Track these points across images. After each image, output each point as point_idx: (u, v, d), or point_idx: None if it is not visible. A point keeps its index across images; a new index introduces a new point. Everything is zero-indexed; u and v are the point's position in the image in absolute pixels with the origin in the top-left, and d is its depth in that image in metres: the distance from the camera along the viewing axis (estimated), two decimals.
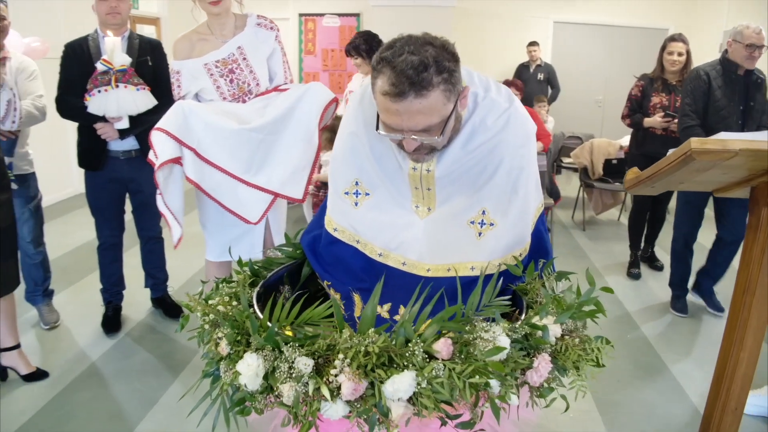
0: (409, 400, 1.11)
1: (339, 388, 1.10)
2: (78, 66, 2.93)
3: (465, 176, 1.53)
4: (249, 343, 1.21)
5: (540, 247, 1.60)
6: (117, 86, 2.81)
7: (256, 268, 1.64)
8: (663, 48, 4.08)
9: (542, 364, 1.19)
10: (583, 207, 5.83)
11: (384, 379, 1.09)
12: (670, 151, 1.38)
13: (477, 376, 1.09)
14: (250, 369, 1.13)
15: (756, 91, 3.35)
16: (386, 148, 1.58)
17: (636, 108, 4.21)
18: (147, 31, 7.85)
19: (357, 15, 8.63)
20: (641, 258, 4.58)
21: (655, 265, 4.56)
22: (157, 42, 3.15)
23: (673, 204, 4.17)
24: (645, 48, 8.47)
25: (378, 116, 1.40)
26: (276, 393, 1.14)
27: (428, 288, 1.30)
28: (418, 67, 1.25)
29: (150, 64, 3.01)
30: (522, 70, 7.90)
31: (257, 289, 1.51)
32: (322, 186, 4.50)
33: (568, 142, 6.74)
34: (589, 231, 5.58)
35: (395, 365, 1.11)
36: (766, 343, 2.82)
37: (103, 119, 2.91)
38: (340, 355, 1.12)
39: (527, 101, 6.47)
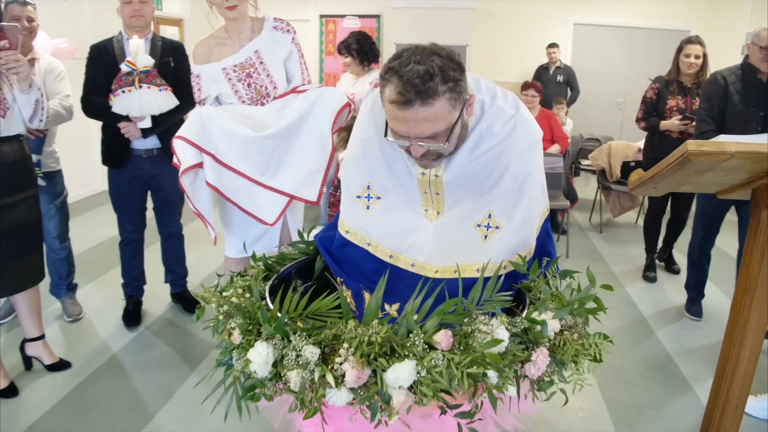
0: (410, 388, 1.16)
1: (343, 375, 1.16)
2: (103, 67, 3.02)
3: (472, 181, 1.58)
4: (260, 333, 1.27)
5: (544, 250, 1.63)
6: (140, 87, 2.89)
7: (270, 262, 1.70)
8: (679, 50, 4.02)
9: (540, 358, 1.24)
10: (600, 209, 5.81)
11: (386, 367, 1.14)
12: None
13: (475, 367, 1.13)
14: (260, 357, 1.19)
15: None
16: (397, 154, 1.63)
17: (651, 111, 4.16)
18: (170, 32, 7.98)
19: (377, 16, 8.67)
20: (659, 259, 4.56)
21: (672, 268, 4.53)
22: (179, 44, 3.23)
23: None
24: (666, 50, 8.35)
25: (387, 123, 1.45)
26: (284, 380, 1.20)
27: (428, 284, 1.35)
28: (424, 76, 1.30)
29: (172, 66, 3.09)
30: (541, 71, 7.88)
31: (270, 282, 1.57)
32: (339, 185, 4.55)
33: (587, 144, 6.71)
34: (606, 233, 5.57)
35: (397, 355, 1.17)
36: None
37: (126, 118, 2.99)
38: (345, 345, 1.17)
39: (546, 103, 6.45)
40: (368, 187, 1.71)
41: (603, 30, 8.66)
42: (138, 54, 2.89)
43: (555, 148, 5.41)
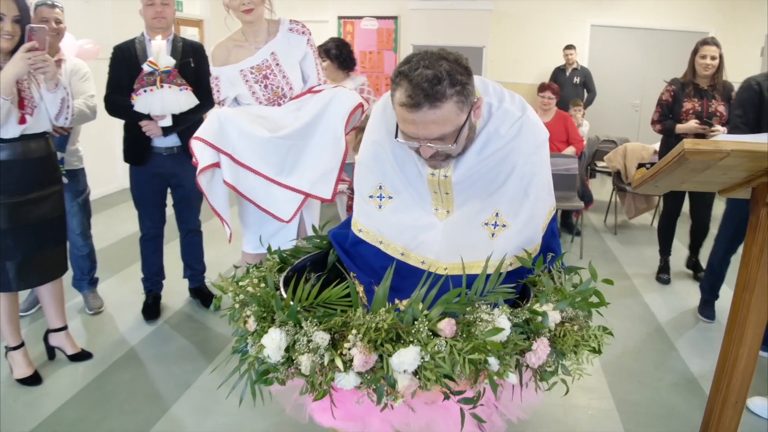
0: (415, 373, 1.22)
1: (352, 360, 1.22)
2: (125, 67, 3.11)
3: (480, 181, 1.64)
4: (273, 320, 1.34)
5: (549, 249, 1.68)
6: (162, 86, 2.97)
7: (285, 255, 1.77)
8: (695, 52, 3.98)
9: (541, 348, 1.29)
10: (615, 211, 5.82)
11: (392, 353, 1.20)
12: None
13: (476, 353, 1.19)
14: (273, 342, 1.26)
15: None
16: (408, 155, 1.68)
17: (667, 113, 4.13)
18: (190, 33, 8.10)
19: (395, 18, 8.73)
20: (687, 266, 4.49)
21: (699, 276, 4.36)
22: (199, 45, 3.31)
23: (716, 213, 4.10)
24: (683, 52, 8.24)
25: (397, 125, 1.51)
26: (295, 364, 1.26)
27: (432, 277, 1.40)
28: (433, 80, 1.36)
29: (192, 66, 3.17)
30: (558, 73, 7.88)
31: (284, 273, 1.64)
32: None
33: (603, 146, 6.70)
34: (621, 235, 5.57)
35: (402, 341, 1.23)
36: None
37: (147, 117, 3.08)
38: (354, 331, 1.24)
39: (563, 105, 6.45)
40: (380, 187, 1.77)
41: (620, 31, 8.63)
42: (160, 55, 2.98)
43: (570, 150, 5.42)
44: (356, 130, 2.83)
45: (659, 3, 8.41)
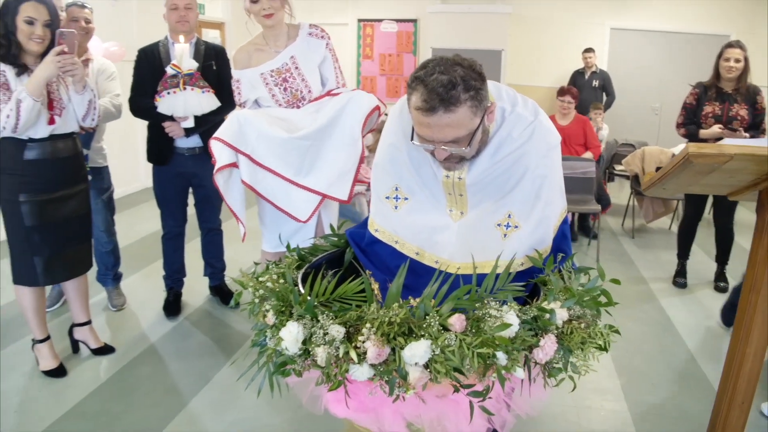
0: (426, 366, 1.27)
1: (365, 352, 1.27)
2: (149, 70, 3.19)
3: (493, 184, 1.69)
4: (291, 314, 1.39)
5: (560, 250, 1.72)
6: (184, 89, 3.05)
7: (303, 253, 1.83)
8: (720, 55, 3.93)
9: (548, 344, 1.33)
10: (633, 215, 5.80)
11: (404, 346, 1.26)
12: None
13: (485, 348, 1.24)
14: (291, 335, 1.32)
15: None
16: (423, 157, 1.74)
17: (690, 117, 4.09)
18: (212, 35, 8.21)
19: (414, 21, 8.78)
20: (715, 279, 4.35)
21: (718, 284, 4.27)
22: (221, 48, 3.39)
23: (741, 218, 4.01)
24: (704, 55, 8.23)
25: (413, 128, 1.56)
26: (312, 356, 1.32)
27: (443, 274, 1.45)
28: (447, 85, 1.42)
29: (214, 69, 3.25)
30: (577, 76, 7.86)
31: (303, 270, 1.70)
32: None
33: (621, 149, 6.69)
34: (638, 239, 5.56)
35: (414, 335, 1.28)
36: None
37: (170, 118, 3.16)
38: (368, 325, 1.29)
39: (582, 108, 6.45)
40: (396, 189, 1.82)
41: (640, 35, 8.58)
42: (183, 58, 3.06)
43: (587, 155, 5.44)
44: (374, 131, 2.88)
45: (679, 6, 8.34)
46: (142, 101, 3.20)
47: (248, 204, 2.75)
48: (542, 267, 1.60)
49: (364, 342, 1.27)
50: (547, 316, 1.36)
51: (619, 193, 7.18)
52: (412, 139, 1.58)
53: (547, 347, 1.33)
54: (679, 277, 4.36)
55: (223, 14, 8.40)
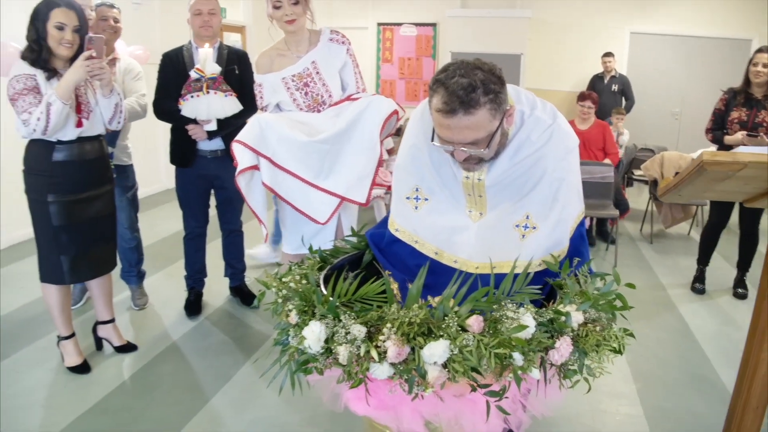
0: (444, 366, 1.31)
1: (386, 351, 1.31)
2: (173, 73, 3.25)
3: (512, 185, 1.72)
4: (314, 314, 1.44)
5: (577, 252, 1.75)
6: (208, 92, 3.11)
7: (325, 255, 1.88)
8: (750, 60, 3.89)
9: (564, 346, 1.36)
10: (652, 220, 5.78)
11: (423, 345, 1.29)
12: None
13: (501, 348, 1.27)
14: (313, 334, 1.36)
15: None
16: (444, 159, 1.78)
17: (719, 123, 4.07)
18: (233, 39, 8.31)
19: (434, 25, 8.82)
20: (734, 285, 4.32)
21: (737, 291, 4.23)
22: (243, 52, 3.44)
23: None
24: (726, 59, 8.20)
25: (434, 130, 1.60)
26: (333, 354, 1.36)
27: (463, 275, 1.49)
28: (467, 88, 1.46)
29: (237, 73, 3.30)
30: (596, 81, 7.85)
31: (324, 271, 1.75)
32: None
33: (641, 154, 6.66)
34: (657, 244, 5.54)
35: (433, 335, 1.32)
36: None
37: (194, 121, 3.22)
38: (388, 325, 1.33)
39: (601, 113, 6.43)
40: (417, 189, 1.86)
41: (660, 39, 8.53)
42: (206, 62, 3.11)
43: (607, 160, 5.44)
44: (392, 135, 2.92)
45: (700, 10, 8.29)
46: (166, 104, 3.26)
47: (267, 206, 2.80)
48: (558, 271, 1.63)
49: (384, 341, 1.31)
50: (563, 318, 1.39)
51: (637, 198, 7.15)
52: (432, 140, 1.62)
53: (563, 349, 1.36)
54: (698, 283, 4.34)
55: (245, 18, 8.50)
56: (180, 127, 3.29)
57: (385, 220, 1.99)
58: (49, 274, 2.81)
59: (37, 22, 2.55)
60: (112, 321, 3.14)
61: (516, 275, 1.52)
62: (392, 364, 1.32)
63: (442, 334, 1.31)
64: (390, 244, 1.91)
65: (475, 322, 1.33)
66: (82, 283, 3.19)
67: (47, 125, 2.54)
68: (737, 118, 3.95)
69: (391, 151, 2.85)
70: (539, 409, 1.58)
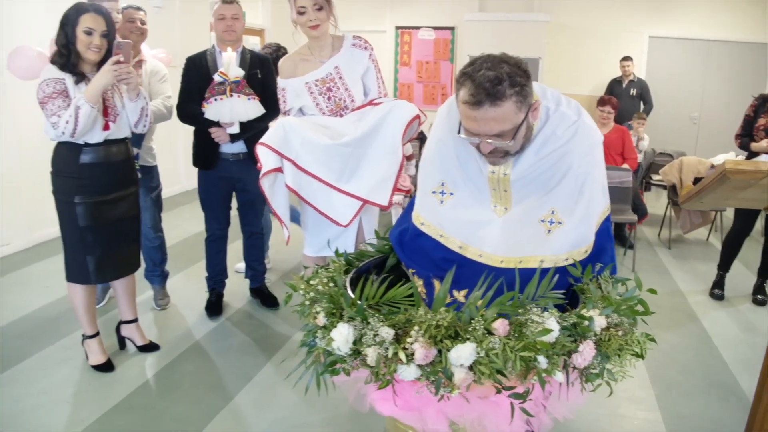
0: (470, 368, 1.33)
1: (413, 354, 1.34)
2: (197, 77, 3.31)
3: (537, 180, 1.75)
4: (342, 316, 1.47)
5: (603, 248, 1.77)
6: (231, 96, 3.16)
7: (350, 258, 1.91)
8: None
9: (587, 350, 1.38)
10: (670, 225, 5.76)
11: (450, 348, 1.32)
12: None
13: (527, 351, 1.30)
14: (342, 336, 1.39)
15: None
16: (469, 154, 1.81)
17: (748, 129, 4.05)
18: (252, 41, 8.39)
19: (452, 28, 8.83)
20: (754, 292, 4.29)
21: (757, 297, 4.21)
22: (266, 57, 3.49)
23: None
24: (745, 63, 8.15)
25: (460, 123, 1.63)
26: (362, 356, 1.39)
27: (491, 277, 1.51)
28: (494, 80, 1.50)
29: (259, 77, 3.35)
30: (614, 85, 7.83)
31: (351, 275, 1.78)
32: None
33: (659, 159, 6.64)
34: (675, 249, 5.51)
35: (460, 338, 1.34)
36: None
37: (217, 124, 3.27)
38: (416, 327, 1.36)
39: (619, 118, 6.42)
40: (442, 184, 1.89)
41: (678, 43, 8.48)
42: (230, 66, 3.16)
43: (625, 165, 5.43)
44: (413, 140, 2.94)
45: (719, 14, 8.23)
46: (190, 107, 3.31)
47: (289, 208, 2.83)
48: (581, 276, 1.65)
49: (412, 344, 1.34)
50: (586, 322, 1.42)
51: (655, 202, 7.12)
52: (459, 132, 1.65)
53: (586, 353, 1.38)
54: (717, 289, 4.31)
55: (263, 21, 8.58)
56: (203, 130, 3.34)
57: (402, 219, 2.02)
58: (75, 274, 2.87)
59: (67, 27, 2.61)
60: (135, 321, 3.19)
61: (543, 273, 1.55)
62: (419, 366, 1.35)
63: (468, 337, 1.34)
64: (414, 237, 1.93)
65: (500, 326, 1.35)
66: (105, 283, 3.25)
67: (75, 128, 2.60)
68: (764, 125, 3.95)
69: (410, 157, 2.87)
70: (561, 411, 1.60)
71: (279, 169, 2.67)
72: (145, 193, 3.47)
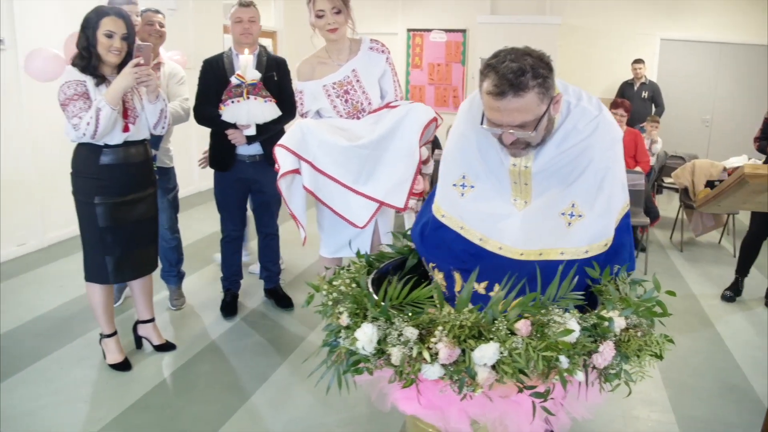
0: (493, 367, 1.36)
1: (437, 353, 1.36)
2: (214, 79, 3.35)
3: (558, 173, 1.78)
4: (365, 317, 1.49)
5: (622, 242, 1.79)
6: (248, 98, 3.19)
7: (371, 259, 1.94)
8: None
9: (606, 350, 1.40)
10: (682, 228, 5.75)
11: (474, 347, 1.34)
12: None
13: (548, 351, 1.32)
14: (366, 336, 1.42)
15: None
16: (491, 146, 1.83)
17: (767, 132, 4.05)
18: (264, 43, 8.41)
19: (463, 31, 8.84)
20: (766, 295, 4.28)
21: None
22: (282, 59, 3.52)
23: None
24: (758, 66, 8.12)
25: (483, 114, 1.67)
26: (386, 356, 1.41)
27: (514, 277, 1.53)
28: (517, 72, 1.53)
29: (275, 79, 3.38)
30: (626, 87, 7.82)
31: (372, 275, 1.81)
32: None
33: (671, 161, 6.62)
34: (687, 252, 5.50)
35: (483, 338, 1.37)
36: None
37: (233, 126, 3.30)
38: (440, 327, 1.39)
39: (631, 120, 6.41)
40: (463, 177, 1.92)
41: (690, 45, 8.46)
42: (247, 68, 3.20)
43: (637, 168, 5.43)
44: (429, 143, 2.97)
45: (731, 16, 8.19)
46: (207, 110, 3.34)
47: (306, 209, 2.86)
48: (599, 278, 1.67)
49: (436, 343, 1.37)
50: (606, 323, 1.44)
51: (667, 205, 7.10)
52: (482, 123, 1.68)
53: (606, 353, 1.40)
54: (729, 291, 4.29)
55: (276, 23, 8.63)
56: (220, 131, 3.37)
57: (422, 213, 2.04)
58: (94, 273, 2.91)
59: (88, 30, 2.65)
60: (152, 320, 3.23)
61: (563, 275, 1.57)
62: (443, 365, 1.37)
63: (492, 337, 1.36)
64: (435, 230, 1.94)
65: (523, 326, 1.38)
66: (123, 283, 3.28)
67: (96, 129, 2.64)
68: None
69: (426, 161, 2.90)
70: (579, 411, 1.61)
71: (296, 171, 2.70)
72: (162, 194, 3.50)
